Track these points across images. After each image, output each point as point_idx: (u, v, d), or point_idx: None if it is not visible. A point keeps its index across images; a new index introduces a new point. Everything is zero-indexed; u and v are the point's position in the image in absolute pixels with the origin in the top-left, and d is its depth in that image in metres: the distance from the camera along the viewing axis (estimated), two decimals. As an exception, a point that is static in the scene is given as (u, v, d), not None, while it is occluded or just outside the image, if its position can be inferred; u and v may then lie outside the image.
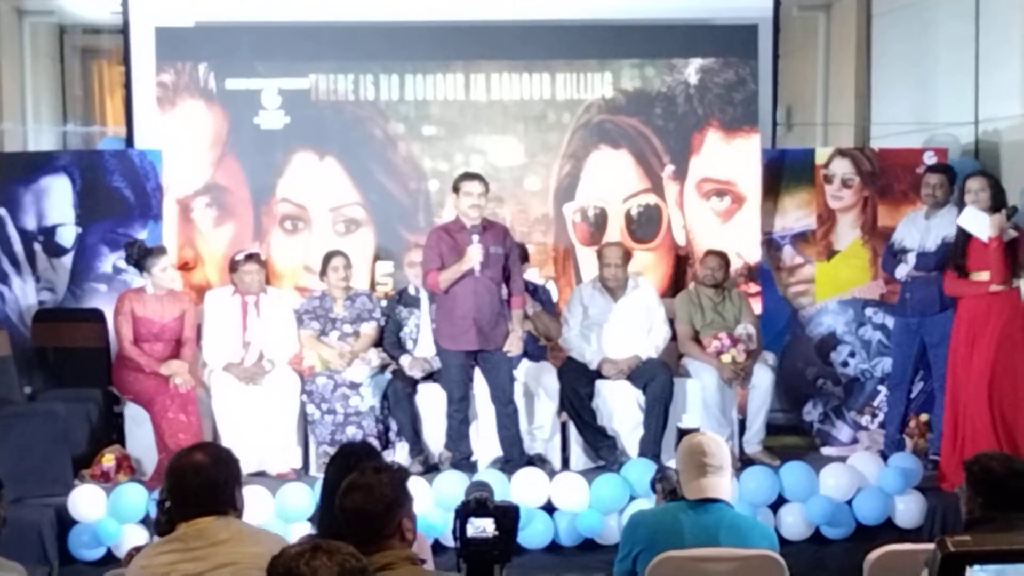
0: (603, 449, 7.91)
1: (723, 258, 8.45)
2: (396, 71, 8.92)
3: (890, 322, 8.56)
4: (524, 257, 8.34)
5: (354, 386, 7.90)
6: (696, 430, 5.45)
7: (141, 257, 7.91)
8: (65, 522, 7.23)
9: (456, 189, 7.59)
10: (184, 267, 8.69)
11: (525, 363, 8.07)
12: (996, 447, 7.05)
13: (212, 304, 8.20)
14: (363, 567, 3.02)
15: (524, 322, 8.06)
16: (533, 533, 7.26)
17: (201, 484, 3.80)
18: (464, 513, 4.03)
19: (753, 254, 8.95)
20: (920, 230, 8.03)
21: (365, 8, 9.02)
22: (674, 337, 8.33)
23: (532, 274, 8.54)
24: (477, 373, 7.78)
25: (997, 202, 7.55)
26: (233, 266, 8.14)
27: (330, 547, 3.02)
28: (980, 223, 7.52)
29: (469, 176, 7.63)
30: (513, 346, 7.71)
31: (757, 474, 7.52)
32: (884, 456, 7.92)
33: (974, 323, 7.61)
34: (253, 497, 7.08)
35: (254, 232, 8.86)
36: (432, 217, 8.86)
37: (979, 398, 7.52)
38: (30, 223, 8.70)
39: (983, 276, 7.56)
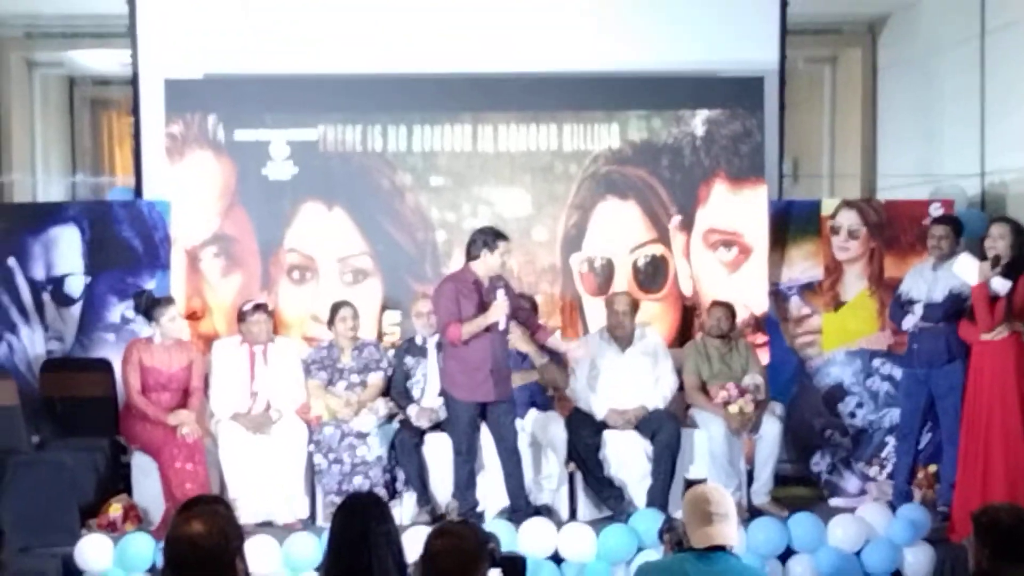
0: (610, 499, 7.89)
1: (729, 309, 8.46)
2: (404, 122, 8.96)
3: (898, 373, 8.55)
4: (532, 309, 8.35)
5: (361, 436, 7.89)
6: (703, 481, 5.45)
7: (149, 307, 7.94)
8: (72, 572, 7.21)
9: (489, 246, 7.51)
10: (192, 317, 8.70)
11: (532, 413, 8.06)
12: (999, 497, 7.01)
13: (219, 354, 8.21)
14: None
15: (531, 373, 8.13)
16: (540, 584, 7.24)
17: (198, 560, 3.60)
18: (472, 563, 4.05)
19: (760, 305, 8.96)
20: (927, 281, 8.02)
21: (373, 60, 9.07)
22: (681, 388, 8.33)
23: (539, 325, 8.55)
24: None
25: (1017, 252, 7.53)
26: (241, 316, 8.16)
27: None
28: (970, 270, 7.52)
29: (501, 235, 7.58)
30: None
31: (765, 525, 7.49)
32: (893, 507, 7.88)
33: (976, 371, 7.61)
34: (260, 547, 7.08)
35: (262, 282, 8.88)
36: (440, 267, 8.87)
37: (980, 447, 7.51)
38: (39, 273, 8.73)
39: (980, 324, 7.61)
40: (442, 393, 7.87)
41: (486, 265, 7.54)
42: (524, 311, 7.86)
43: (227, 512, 3.89)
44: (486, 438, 7.76)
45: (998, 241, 7.53)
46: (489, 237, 7.56)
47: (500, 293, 7.48)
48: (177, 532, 3.63)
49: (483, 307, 7.49)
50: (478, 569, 3.98)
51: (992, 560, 4.25)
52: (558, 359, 8.32)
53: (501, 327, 7.53)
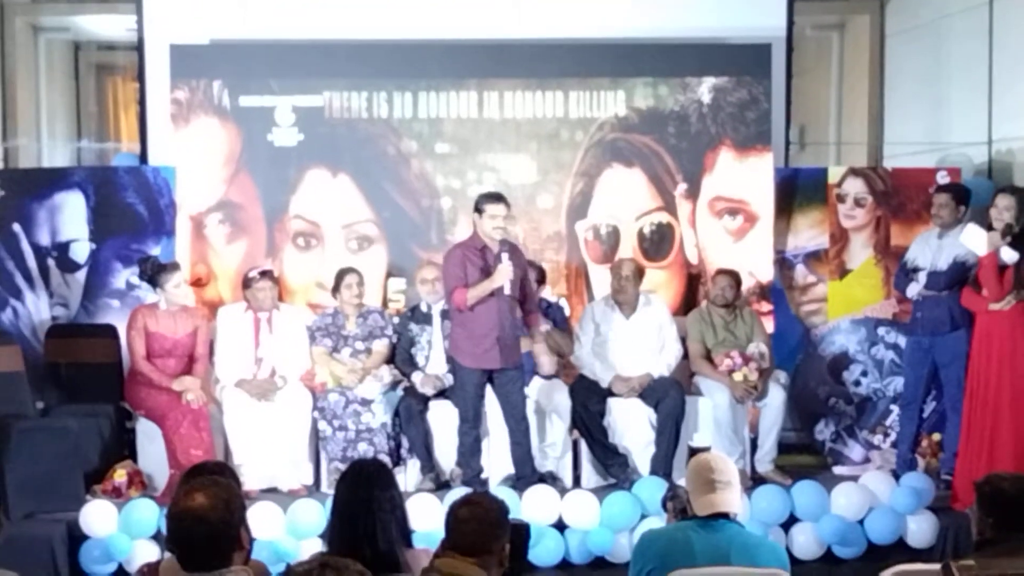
0: (614, 467, 7.90)
1: (734, 277, 8.45)
2: (409, 89, 8.94)
3: (902, 341, 8.55)
4: (541, 277, 8.34)
5: (366, 403, 7.90)
6: (707, 449, 5.45)
7: (154, 273, 7.94)
8: (76, 537, 7.24)
9: (479, 210, 7.57)
10: (197, 283, 8.71)
11: (537, 380, 8.07)
12: (1006, 467, 7.01)
13: (224, 320, 8.22)
14: (370, 584, 3.02)
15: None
16: (544, 551, 7.24)
17: (203, 535, 3.57)
18: (475, 531, 4.08)
19: (765, 273, 8.95)
20: (932, 249, 8.01)
21: (379, 26, 9.05)
22: (686, 355, 8.33)
23: (544, 292, 8.53)
24: (488, 390, 7.77)
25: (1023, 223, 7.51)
26: (246, 282, 8.16)
27: (338, 564, 3.02)
28: (979, 240, 7.51)
29: (494, 198, 7.60)
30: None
31: (769, 493, 7.50)
32: (896, 475, 7.90)
33: (983, 340, 7.60)
34: (264, 513, 7.10)
35: (267, 249, 8.88)
36: (444, 235, 8.88)
37: (985, 416, 7.51)
38: (44, 239, 8.72)
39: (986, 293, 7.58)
40: (449, 360, 7.88)
41: (481, 230, 7.56)
42: (528, 282, 7.84)
43: (229, 482, 3.87)
44: (491, 405, 7.77)
45: (1004, 212, 7.51)
46: (481, 201, 7.59)
47: (504, 257, 7.47)
48: (180, 506, 3.61)
49: (489, 273, 7.50)
50: (500, 538, 4.04)
51: (995, 529, 4.25)
52: (562, 326, 8.32)
53: (507, 292, 7.52)
